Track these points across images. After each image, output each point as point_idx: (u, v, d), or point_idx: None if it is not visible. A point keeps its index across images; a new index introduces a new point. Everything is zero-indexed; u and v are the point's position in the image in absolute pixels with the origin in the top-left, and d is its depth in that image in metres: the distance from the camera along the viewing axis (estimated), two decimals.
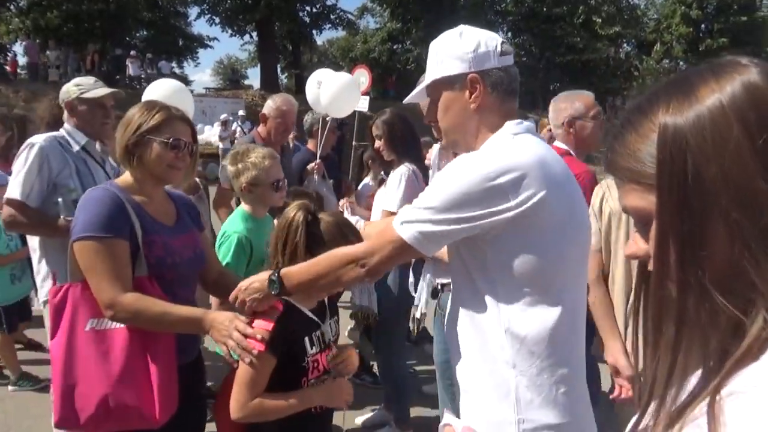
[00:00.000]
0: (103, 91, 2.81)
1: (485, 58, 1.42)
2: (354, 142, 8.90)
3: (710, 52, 31.77)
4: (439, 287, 2.51)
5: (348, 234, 1.74)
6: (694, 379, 0.61)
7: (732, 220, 0.57)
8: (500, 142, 1.38)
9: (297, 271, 1.52)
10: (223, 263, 2.36)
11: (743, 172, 0.57)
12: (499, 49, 1.43)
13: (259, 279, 1.59)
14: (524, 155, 1.29)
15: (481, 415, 1.36)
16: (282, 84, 32.33)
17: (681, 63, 35.47)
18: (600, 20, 30.62)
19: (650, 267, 0.66)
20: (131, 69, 21.54)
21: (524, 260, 1.29)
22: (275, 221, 2.42)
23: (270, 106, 3.86)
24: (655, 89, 0.67)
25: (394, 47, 33.63)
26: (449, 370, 2.38)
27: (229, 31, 29.04)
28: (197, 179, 4.06)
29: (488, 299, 1.34)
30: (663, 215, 0.62)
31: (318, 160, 4.26)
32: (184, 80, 29.33)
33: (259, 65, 30.08)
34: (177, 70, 28.69)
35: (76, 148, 2.73)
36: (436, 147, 2.81)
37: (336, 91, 4.25)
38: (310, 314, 1.76)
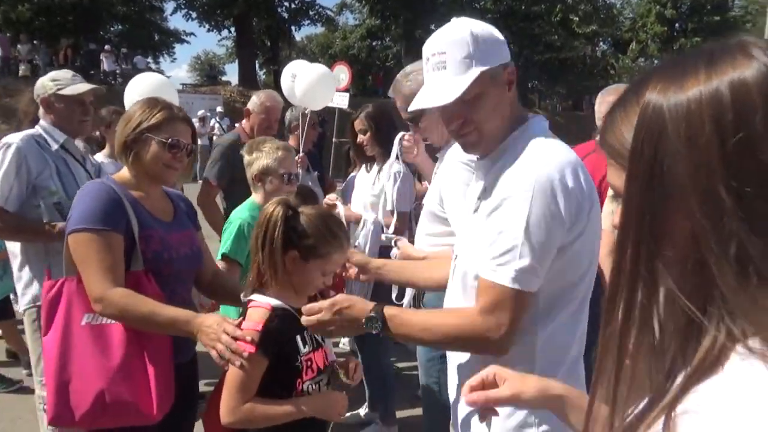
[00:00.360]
0: (82, 87, 2.66)
1: (504, 49, 1.38)
2: (334, 139, 8.88)
3: (685, 51, 32.23)
4: None
5: (334, 228, 1.68)
6: (647, 386, 0.60)
7: (696, 221, 0.56)
8: (546, 147, 1.32)
9: (407, 324, 1.37)
10: (224, 249, 2.41)
11: (709, 174, 0.55)
12: (502, 39, 1.41)
13: (356, 308, 1.40)
14: (566, 156, 1.29)
15: (499, 419, 1.33)
16: (260, 80, 32.06)
17: (656, 61, 36.04)
18: (577, 19, 30.93)
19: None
20: (106, 64, 21.16)
21: (577, 262, 1.30)
22: None
23: (254, 101, 3.83)
24: (654, 67, 0.65)
25: (374, 44, 33.59)
26: (434, 368, 2.34)
27: (206, 26, 28.69)
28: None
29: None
30: (627, 201, 0.61)
31: (302, 154, 4.22)
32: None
33: (237, 61, 29.78)
34: (153, 66, 28.24)
35: (54, 146, 2.59)
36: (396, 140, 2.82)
37: (311, 83, 4.23)
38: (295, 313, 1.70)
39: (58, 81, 2.63)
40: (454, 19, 1.42)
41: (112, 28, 28.35)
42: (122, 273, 1.71)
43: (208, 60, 58.65)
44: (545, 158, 1.27)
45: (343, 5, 33.53)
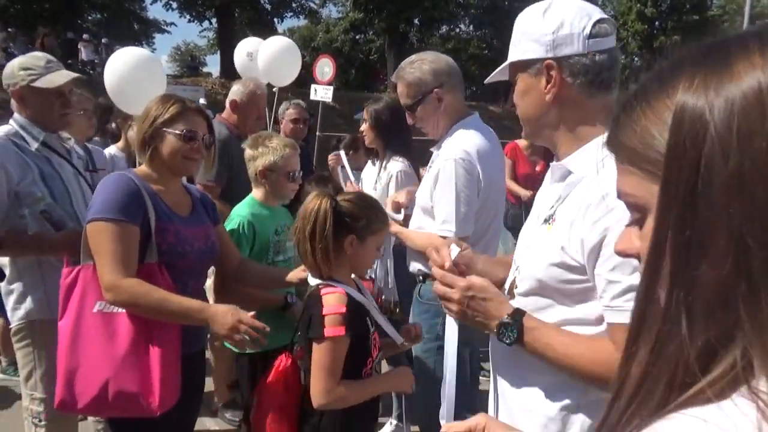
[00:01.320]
0: (59, 78, 2.31)
1: (566, 42, 1.22)
2: (318, 133, 8.83)
3: (664, 49, 32.67)
4: (420, 277, 2.50)
5: (375, 203, 1.83)
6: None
7: (738, 237, 0.46)
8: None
9: (545, 340, 1.21)
10: None
11: (762, 180, 0.45)
12: (587, 30, 1.22)
13: (492, 304, 1.26)
14: None
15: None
16: None
17: (636, 59, 36.47)
18: None
19: (640, 270, 0.55)
20: (84, 53, 20.75)
21: None
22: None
23: (240, 91, 3.43)
24: (683, 54, 0.54)
25: (357, 37, 33.43)
26: (428, 361, 2.38)
27: (188, 17, 28.29)
28: None
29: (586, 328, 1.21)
30: (664, 215, 0.50)
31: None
32: None
33: (218, 52, 29.44)
34: None
35: (34, 145, 2.27)
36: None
37: (275, 57, 3.99)
38: (360, 295, 1.79)
39: (31, 70, 2.27)
40: None
41: (90, 17, 27.81)
42: (134, 263, 1.74)
43: (189, 51, 57.86)
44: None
45: None
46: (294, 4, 29.48)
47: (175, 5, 27.18)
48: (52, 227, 2.23)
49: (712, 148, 0.47)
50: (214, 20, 28.96)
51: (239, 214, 2.44)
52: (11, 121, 2.33)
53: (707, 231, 0.48)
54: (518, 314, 1.23)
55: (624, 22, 34.54)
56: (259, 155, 2.46)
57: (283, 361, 1.82)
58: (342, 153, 3.65)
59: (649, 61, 35.29)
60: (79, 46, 20.93)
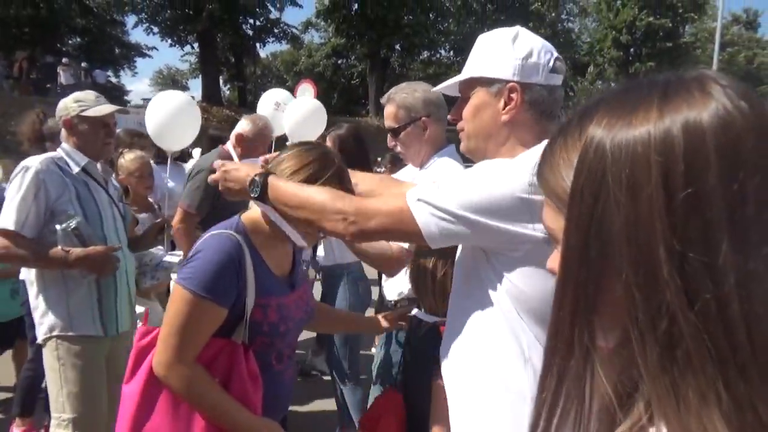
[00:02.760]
0: (106, 108, 2.57)
1: (532, 71, 1.29)
2: None
3: (639, 75, 33.52)
4: (391, 303, 2.47)
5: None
6: None
7: (626, 287, 0.47)
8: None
9: (284, 189, 1.40)
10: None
11: (648, 232, 0.46)
12: (550, 64, 1.30)
13: (244, 171, 1.52)
14: None
15: None
16: (224, 96, 31.76)
17: (612, 84, 37.25)
18: None
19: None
20: (63, 77, 20.59)
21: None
22: None
23: (249, 127, 3.39)
24: (605, 93, 0.56)
25: (339, 62, 33.76)
26: (386, 383, 2.37)
27: (169, 42, 28.34)
28: (150, 199, 3.88)
29: (507, 327, 1.21)
30: (566, 251, 0.52)
31: None
32: (121, 90, 28.38)
33: (200, 77, 29.47)
34: (113, 80, 27.70)
35: (75, 169, 2.49)
36: None
37: (303, 117, 4.09)
38: None
39: (82, 102, 2.55)
40: (516, 27, 1.40)
41: (70, 41, 27.72)
42: (201, 346, 1.56)
43: (171, 75, 57.89)
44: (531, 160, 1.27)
45: (308, 24, 33.68)
46: (276, 30, 29.73)
47: (156, 30, 27.25)
48: (81, 245, 2.37)
49: (606, 196, 0.49)
50: (195, 45, 29.05)
51: None
52: (59, 149, 2.56)
53: (601, 274, 0.50)
54: (263, 174, 1.44)
55: (600, 48, 35.46)
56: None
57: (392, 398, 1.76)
58: None
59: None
60: (58, 70, 20.78)
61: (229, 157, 3.35)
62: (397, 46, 29.86)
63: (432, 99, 2.43)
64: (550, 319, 0.54)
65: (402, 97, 2.43)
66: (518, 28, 1.34)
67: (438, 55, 35.41)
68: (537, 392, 0.56)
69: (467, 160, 2.29)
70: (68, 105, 2.55)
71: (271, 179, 1.42)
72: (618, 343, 0.50)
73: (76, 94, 2.63)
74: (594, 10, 37.12)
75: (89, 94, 2.63)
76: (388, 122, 2.46)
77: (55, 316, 2.40)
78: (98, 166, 2.65)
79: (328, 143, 3.18)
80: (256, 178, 1.43)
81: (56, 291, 2.42)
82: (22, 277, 2.52)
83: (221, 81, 31.09)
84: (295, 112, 4.10)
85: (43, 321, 2.43)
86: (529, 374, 1.19)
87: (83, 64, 22.61)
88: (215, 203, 3.15)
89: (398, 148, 2.49)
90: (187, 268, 1.56)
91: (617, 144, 0.49)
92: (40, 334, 2.43)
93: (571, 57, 36.84)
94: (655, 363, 0.46)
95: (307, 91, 7.93)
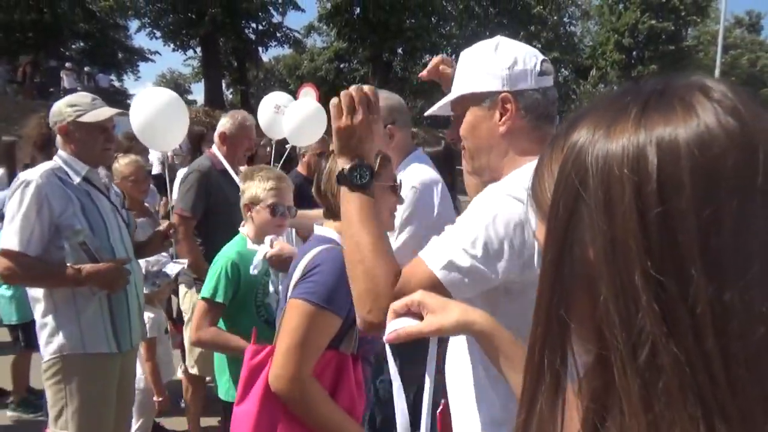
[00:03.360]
0: (104, 112, 2.39)
1: (521, 77, 1.27)
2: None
3: (642, 78, 33.50)
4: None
5: None
6: None
7: (604, 310, 0.45)
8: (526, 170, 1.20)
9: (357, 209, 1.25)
10: (204, 291, 2.25)
11: (625, 253, 0.44)
12: (538, 68, 1.28)
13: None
14: None
15: None
16: (227, 100, 31.84)
17: (615, 87, 37.19)
18: (540, 46, 31.85)
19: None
20: (66, 81, 20.68)
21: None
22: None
23: (229, 123, 3.40)
24: (594, 101, 0.54)
25: (341, 66, 33.80)
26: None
27: (172, 46, 28.44)
28: (146, 204, 3.86)
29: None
30: (543, 268, 0.50)
31: None
32: (124, 94, 28.46)
33: (203, 80, 29.56)
34: (116, 83, 27.78)
35: (76, 179, 2.34)
36: None
37: (302, 120, 4.08)
38: None
39: (77, 107, 2.36)
40: (496, 38, 1.38)
41: (73, 45, 27.82)
42: (318, 357, 1.59)
43: (174, 78, 58.05)
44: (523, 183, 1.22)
45: (310, 28, 33.75)
46: (278, 34, 29.82)
47: (159, 34, 27.34)
48: (89, 259, 2.27)
49: (580, 218, 0.47)
50: (198, 49, 29.14)
51: (225, 255, 2.30)
52: (55, 157, 2.39)
53: (574, 296, 0.47)
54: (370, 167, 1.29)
55: (603, 52, 35.46)
56: (246, 188, 2.34)
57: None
58: None
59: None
60: (61, 74, 20.86)
61: (218, 161, 3.34)
62: (400, 50, 29.90)
63: (395, 106, 2.43)
64: (529, 341, 0.52)
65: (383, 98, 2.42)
66: (498, 38, 1.33)
67: None
68: (517, 416, 0.54)
69: (451, 163, 2.24)
70: (63, 110, 2.37)
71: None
72: (590, 369, 0.47)
73: (70, 98, 2.45)
74: (596, 13, 37.13)
75: (84, 97, 2.45)
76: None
77: (65, 336, 2.27)
78: (100, 171, 2.54)
79: (314, 146, 3.15)
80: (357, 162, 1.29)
81: (66, 309, 2.29)
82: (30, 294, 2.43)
83: (224, 85, 31.19)
84: (294, 114, 4.08)
85: (53, 340, 2.28)
86: None
87: (86, 68, 22.73)
88: (208, 205, 3.16)
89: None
90: (307, 282, 1.57)
91: (595, 156, 0.47)
92: (47, 353, 2.29)
93: (574, 60, 36.85)
94: (636, 396, 0.43)
95: (309, 94, 7.94)
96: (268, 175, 2.34)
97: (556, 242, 0.48)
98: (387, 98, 2.42)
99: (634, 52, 34.54)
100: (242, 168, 3.23)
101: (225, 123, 3.43)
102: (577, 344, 0.48)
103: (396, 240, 2.21)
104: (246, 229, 2.37)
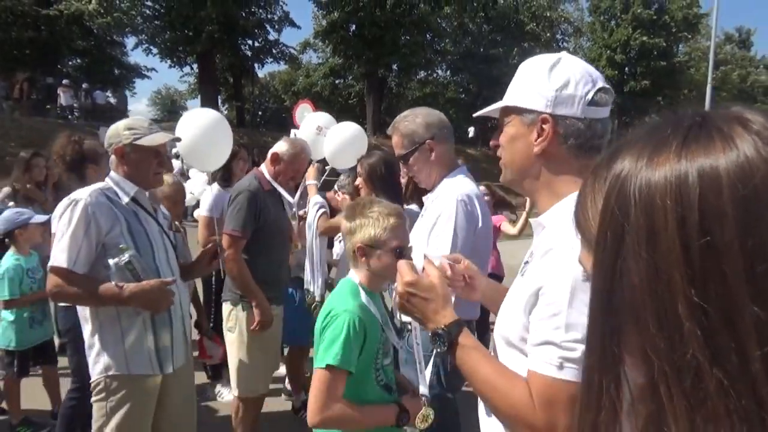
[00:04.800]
0: (161, 137, 2.44)
1: (566, 102, 1.22)
2: None
3: (634, 93, 33.95)
4: (408, 326, 2.45)
5: None
6: None
7: (650, 339, 0.46)
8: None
9: (471, 362, 1.23)
10: (332, 358, 1.76)
11: (667, 284, 0.45)
12: (589, 96, 1.22)
13: (431, 308, 1.29)
14: None
15: None
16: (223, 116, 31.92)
17: (654, 117, 37.53)
18: None
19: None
20: (63, 98, 20.76)
21: None
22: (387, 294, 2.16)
23: (286, 149, 3.37)
24: (634, 132, 0.55)
25: (336, 82, 34.05)
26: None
27: (168, 62, 28.61)
28: (176, 222, 3.88)
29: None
30: (593, 299, 0.51)
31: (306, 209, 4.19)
32: (119, 110, 28.53)
33: (199, 97, 29.68)
34: (112, 100, 27.87)
35: (125, 199, 2.38)
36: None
37: (344, 143, 4.09)
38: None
39: (135, 130, 2.41)
40: (563, 53, 1.35)
41: (70, 62, 27.94)
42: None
43: (170, 95, 58.25)
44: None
45: (306, 44, 34.03)
46: (274, 50, 30.03)
47: (155, 51, 27.52)
48: (134, 279, 2.27)
49: (626, 248, 0.47)
50: (195, 65, 29.31)
51: (346, 309, 1.84)
52: (107, 178, 2.44)
53: (625, 324, 0.48)
54: (454, 326, 1.24)
55: (595, 68, 35.83)
56: (357, 228, 1.92)
57: None
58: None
59: (620, 105, 36.49)
60: (58, 91, 20.93)
61: (266, 180, 3.34)
62: (395, 66, 30.16)
63: (434, 122, 2.50)
64: (584, 371, 0.54)
65: (404, 125, 2.50)
66: (562, 54, 1.29)
67: (435, 75, 35.75)
68: None
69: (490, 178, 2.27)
70: (120, 132, 2.41)
71: (462, 340, 1.23)
72: (642, 394, 0.48)
73: (128, 122, 2.49)
74: (588, 30, 37.57)
75: (142, 121, 2.50)
76: (397, 151, 2.57)
77: (110, 357, 2.31)
78: (147, 194, 2.53)
79: (359, 170, 3.21)
80: (443, 331, 1.25)
81: (111, 330, 2.31)
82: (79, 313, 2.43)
83: (219, 101, 31.31)
84: (336, 136, 4.10)
85: (99, 360, 2.32)
86: None
87: (83, 85, 22.79)
88: (258, 224, 3.16)
89: (411, 175, 2.60)
90: None
91: (638, 186, 0.48)
92: (95, 373, 2.34)
93: None
94: (683, 419, 0.44)
95: (306, 110, 7.98)
96: (387, 210, 1.93)
97: (605, 272, 0.49)
98: (425, 115, 2.51)
99: (627, 68, 34.91)
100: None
101: (283, 147, 3.40)
102: (630, 370, 0.49)
103: (439, 247, 2.26)
104: (358, 276, 1.96)
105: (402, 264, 1.37)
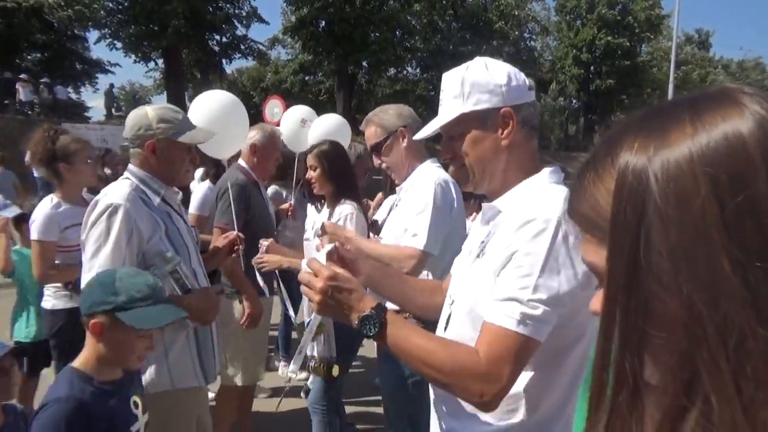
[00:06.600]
0: (201, 134, 2.23)
1: (518, 92, 1.34)
2: None
3: (599, 92, 34.67)
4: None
5: None
6: None
7: (689, 304, 0.46)
8: (545, 192, 1.29)
9: (405, 334, 1.23)
10: None
11: (705, 244, 0.45)
12: (527, 82, 1.37)
13: (359, 294, 1.26)
14: None
15: None
16: None
17: (574, 101, 38.31)
18: (501, 59, 32.43)
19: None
20: (22, 94, 20.06)
21: (572, 321, 1.23)
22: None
23: (259, 135, 3.38)
24: (626, 122, 0.56)
25: (306, 78, 33.78)
26: (403, 393, 2.40)
27: (133, 58, 27.94)
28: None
29: None
30: (611, 282, 0.51)
31: (291, 200, 4.14)
32: (81, 106, 27.77)
33: (165, 93, 29.09)
34: (74, 96, 27.11)
35: (156, 200, 2.15)
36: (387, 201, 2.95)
37: (328, 133, 4.06)
38: None
39: (169, 123, 2.15)
40: (477, 58, 1.41)
41: (29, 56, 27.03)
42: None
43: (133, 91, 56.97)
44: (554, 207, 1.22)
45: (275, 40, 33.68)
46: (242, 46, 29.61)
47: (119, 45, 26.83)
48: (179, 288, 2.07)
49: (651, 215, 0.48)
50: (160, 61, 28.70)
51: None
52: (128, 175, 2.18)
53: (653, 298, 0.48)
54: (380, 308, 1.24)
55: (562, 66, 36.44)
56: None
57: None
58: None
59: (586, 103, 37.17)
60: (17, 86, 20.23)
61: (246, 171, 3.34)
62: (365, 63, 30.08)
63: (405, 113, 2.59)
64: (595, 355, 0.54)
65: (378, 116, 2.61)
66: (482, 59, 1.39)
67: (405, 72, 35.80)
68: (586, 427, 0.56)
69: None
70: (153, 125, 2.14)
71: (390, 318, 1.23)
72: (662, 379, 0.48)
73: (159, 112, 2.19)
74: (555, 29, 38.16)
75: (175, 112, 2.23)
76: (369, 142, 2.63)
77: (153, 373, 2.10)
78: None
79: (312, 161, 3.08)
80: (372, 312, 1.23)
81: (154, 345, 2.06)
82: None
83: (186, 97, 30.77)
84: (319, 127, 4.09)
85: (140, 377, 2.10)
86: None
87: (43, 80, 22.09)
88: (247, 216, 3.21)
89: (383, 166, 2.63)
90: None
91: (657, 164, 0.48)
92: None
93: (534, 74, 37.73)
94: (727, 382, 0.44)
95: (276, 106, 7.91)
96: None
97: (626, 249, 0.49)
98: (399, 107, 2.64)
99: (592, 67, 35.57)
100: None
101: (255, 135, 3.41)
102: (656, 347, 0.49)
103: (419, 228, 2.31)
104: None
105: (313, 262, 1.32)
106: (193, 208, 4.09)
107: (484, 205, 1.42)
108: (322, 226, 2.64)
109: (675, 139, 0.49)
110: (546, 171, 1.36)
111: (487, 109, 1.33)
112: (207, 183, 4.12)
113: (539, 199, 1.27)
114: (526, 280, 1.18)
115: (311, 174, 3.06)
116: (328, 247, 1.42)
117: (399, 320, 1.25)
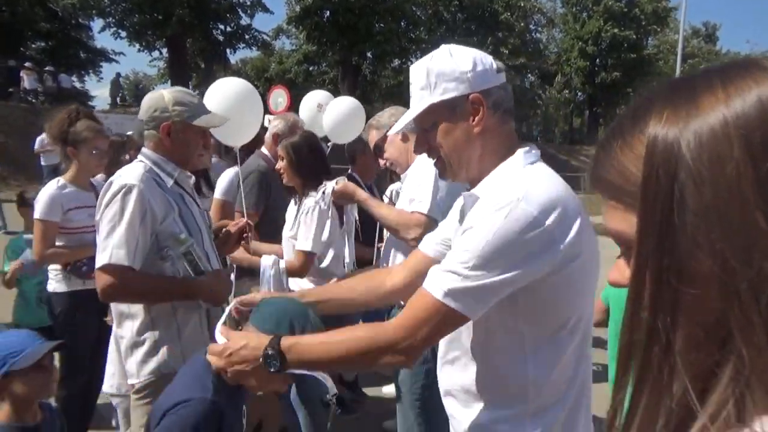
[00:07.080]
0: (215, 119, 2.24)
1: (485, 77, 1.32)
2: None
3: (605, 84, 34.51)
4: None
5: None
6: None
7: (722, 261, 0.47)
8: (517, 174, 1.27)
9: (307, 347, 1.27)
10: None
11: (740, 203, 0.47)
12: (494, 66, 1.34)
13: (252, 344, 1.31)
14: (554, 189, 1.21)
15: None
16: None
17: (579, 93, 38.15)
18: (507, 51, 32.34)
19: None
20: (27, 82, 20.08)
21: (558, 302, 1.24)
22: None
23: (282, 125, 3.44)
24: (653, 92, 0.57)
25: (310, 69, 33.70)
26: (417, 384, 2.41)
27: (137, 47, 27.89)
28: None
29: (513, 347, 1.28)
30: (642, 244, 0.52)
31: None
32: (85, 95, 27.77)
33: (169, 82, 29.05)
34: (78, 84, 27.11)
35: (170, 182, 2.16)
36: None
37: (342, 117, 4.10)
38: None
39: (186, 107, 2.15)
40: (442, 46, 1.39)
41: (34, 45, 27.02)
42: None
43: (137, 80, 56.95)
44: (523, 188, 1.20)
45: (279, 30, 33.56)
46: (247, 36, 29.53)
47: (124, 34, 26.79)
48: (192, 270, 2.09)
49: (684, 177, 0.49)
50: (164, 50, 28.66)
51: None
52: (141, 158, 2.19)
53: (686, 257, 0.49)
54: (275, 340, 1.28)
55: (567, 58, 36.27)
56: None
57: None
58: None
59: (591, 95, 36.99)
60: (21, 74, 20.25)
61: (268, 159, 3.38)
62: (369, 54, 29.98)
63: (399, 112, 2.69)
64: (623, 317, 0.55)
65: (375, 120, 2.74)
66: (447, 46, 1.37)
67: (409, 63, 35.61)
68: (613, 391, 0.56)
69: None
70: (169, 108, 2.14)
71: (284, 345, 1.26)
72: (695, 337, 0.49)
73: (175, 95, 2.18)
74: (561, 21, 37.93)
75: (191, 96, 2.23)
76: (372, 145, 2.78)
77: (166, 354, 2.07)
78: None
79: (280, 152, 2.95)
80: (269, 350, 1.26)
81: (167, 325, 2.09)
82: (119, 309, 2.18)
83: (190, 86, 30.74)
84: (334, 110, 4.08)
85: (149, 360, 2.07)
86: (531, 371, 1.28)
87: (47, 68, 22.10)
88: (267, 202, 3.28)
89: (387, 161, 2.74)
90: None
91: (689, 131, 0.49)
92: (143, 373, 2.07)
93: (539, 66, 37.54)
94: (760, 338, 0.45)
95: (280, 96, 7.90)
96: None
97: (658, 211, 0.50)
98: (393, 108, 2.75)
99: (598, 60, 35.41)
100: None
101: (278, 125, 3.50)
102: (689, 306, 0.50)
103: (422, 200, 2.37)
104: None
105: (211, 347, 1.42)
106: (218, 193, 4.08)
107: (464, 194, 1.42)
108: (334, 190, 2.75)
109: (707, 104, 0.50)
110: (520, 152, 1.33)
111: (455, 98, 1.31)
112: (234, 169, 4.09)
113: (508, 181, 1.26)
114: (467, 255, 1.18)
115: (280, 164, 2.95)
116: (221, 320, 1.52)
117: (294, 341, 1.29)
